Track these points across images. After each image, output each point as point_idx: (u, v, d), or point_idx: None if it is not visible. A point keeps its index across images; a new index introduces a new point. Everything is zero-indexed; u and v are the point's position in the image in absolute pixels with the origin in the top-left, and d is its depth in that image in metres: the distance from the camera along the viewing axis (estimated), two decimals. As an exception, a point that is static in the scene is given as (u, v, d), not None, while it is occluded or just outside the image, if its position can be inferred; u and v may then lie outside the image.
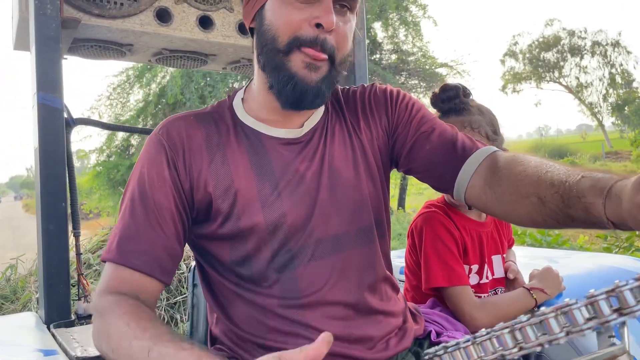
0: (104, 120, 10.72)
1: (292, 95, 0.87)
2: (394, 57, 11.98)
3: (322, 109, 1.00)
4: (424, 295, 1.27)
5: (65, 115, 1.25)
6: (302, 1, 0.84)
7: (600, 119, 29.31)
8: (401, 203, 12.43)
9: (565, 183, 0.70)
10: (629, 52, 28.58)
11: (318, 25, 0.83)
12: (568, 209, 0.70)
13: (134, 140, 10.89)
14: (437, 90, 1.35)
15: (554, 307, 0.54)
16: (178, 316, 2.36)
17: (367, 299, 0.93)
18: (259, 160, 0.92)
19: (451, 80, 12.40)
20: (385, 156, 1.01)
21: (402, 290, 1.38)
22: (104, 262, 0.87)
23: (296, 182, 0.92)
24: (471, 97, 1.33)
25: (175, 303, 2.44)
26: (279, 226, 0.90)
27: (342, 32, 0.87)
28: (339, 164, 0.95)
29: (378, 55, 12.03)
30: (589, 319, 0.52)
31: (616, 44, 28.51)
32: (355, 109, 1.01)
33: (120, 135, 10.67)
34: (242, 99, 0.99)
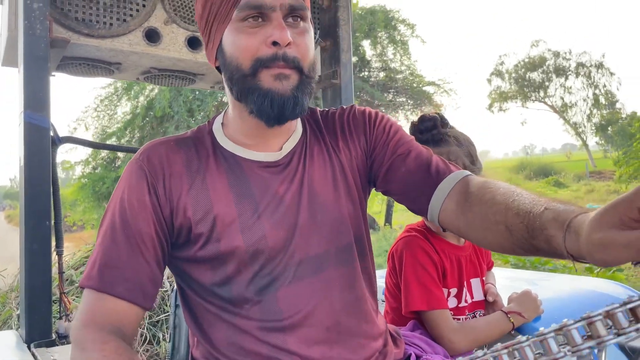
0: (91, 131, 10.65)
1: (271, 111, 0.88)
2: (382, 74, 12.10)
3: (300, 130, 1.01)
4: (403, 318, 1.28)
5: (52, 134, 1.25)
6: (253, 25, 0.87)
7: (585, 139, 29.77)
8: (388, 219, 12.47)
9: (530, 214, 0.72)
10: (612, 74, 29.17)
11: (274, 43, 0.86)
12: (532, 240, 0.72)
13: (120, 152, 10.82)
14: (415, 120, 1.37)
15: (531, 335, 0.55)
16: (160, 335, 2.34)
17: (348, 320, 0.93)
18: (239, 183, 0.93)
19: (438, 98, 12.56)
20: (363, 176, 1.03)
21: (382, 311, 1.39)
22: (83, 288, 0.86)
23: (276, 205, 0.93)
24: (449, 126, 1.36)
25: (157, 321, 2.42)
26: (260, 249, 0.91)
27: (300, 43, 0.89)
28: (318, 184, 0.96)
29: (367, 73, 12.14)
30: (562, 345, 0.53)
31: (600, 66, 29.09)
32: (334, 129, 1.03)
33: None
34: (222, 123, 1.01)
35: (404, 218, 13.89)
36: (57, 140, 1.32)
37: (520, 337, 0.54)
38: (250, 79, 0.88)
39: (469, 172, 0.94)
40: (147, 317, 2.28)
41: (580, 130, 29.60)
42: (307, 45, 0.90)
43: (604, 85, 29.15)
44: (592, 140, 30.95)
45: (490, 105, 30.98)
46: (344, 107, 1.08)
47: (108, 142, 10.27)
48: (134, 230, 0.88)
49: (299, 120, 1.03)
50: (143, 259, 0.87)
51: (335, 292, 0.93)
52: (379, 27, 10.88)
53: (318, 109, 1.09)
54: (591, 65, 29.08)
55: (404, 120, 12.93)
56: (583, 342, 0.51)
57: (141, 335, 2.07)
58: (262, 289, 0.91)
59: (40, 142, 1.20)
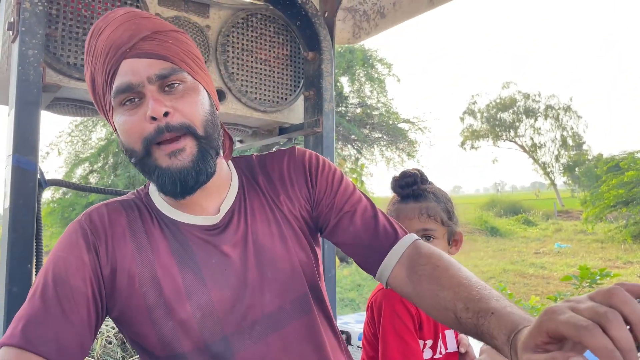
0: (64, 156, 10.50)
1: (173, 187, 0.88)
2: (359, 110, 12.33)
3: (235, 185, 1.01)
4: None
5: (38, 176, 1.27)
6: (131, 107, 0.88)
7: (553, 179, 30.56)
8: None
9: (479, 314, 0.72)
10: (579, 117, 30.23)
11: (153, 119, 0.86)
12: (481, 337, 0.73)
13: (93, 178, 10.68)
14: (397, 176, 1.43)
15: None
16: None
17: None
18: (180, 248, 0.92)
19: (413, 135, 12.83)
20: (310, 223, 1.02)
21: (360, 356, 1.42)
22: (2, 347, 0.80)
23: (220, 266, 0.92)
24: (428, 182, 1.41)
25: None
26: (207, 313, 0.89)
27: (182, 107, 0.88)
28: (264, 240, 0.96)
29: (344, 108, 12.36)
30: None
31: (567, 109, 30.14)
32: (273, 181, 1.02)
33: (79, 173, 10.46)
34: None
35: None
36: (43, 183, 1.33)
37: None
38: (147, 159, 0.89)
39: (416, 237, 0.96)
40: (121, 358, 2.25)
41: (548, 170, 30.41)
42: (192, 107, 0.89)
43: (572, 128, 30.17)
44: (560, 179, 31.81)
45: (463, 143, 31.67)
46: (283, 150, 1.06)
47: (80, 167, 10.14)
48: (69, 289, 0.85)
49: (233, 173, 1.03)
50: (74, 320, 0.84)
51: (296, 346, 0.93)
52: (357, 64, 11.17)
53: (254, 155, 1.07)
54: (559, 108, 30.12)
55: (379, 155, 13.15)
56: None
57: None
58: (218, 356, 0.89)
59: (26, 185, 1.21)
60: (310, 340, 0.95)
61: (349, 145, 12.74)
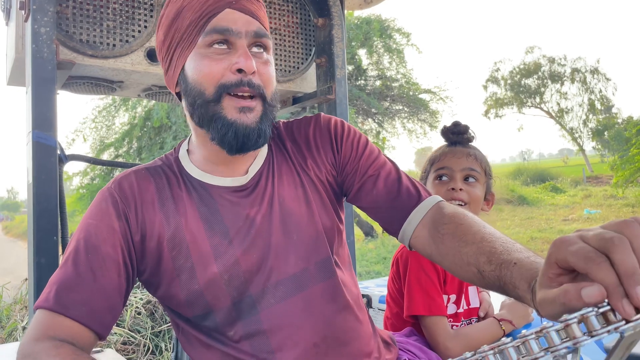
0: (89, 142, 10.70)
1: (234, 141, 0.90)
2: (378, 83, 12.20)
3: (264, 150, 1.02)
4: (403, 323, 1.33)
5: (58, 152, 1.30)
6: (218, 52, 0.89)
7: (581, 144, 29.88)
8: (386, 227, 12.49)
9: (502, 266, 0.72)
10: (607, 79, 29.33)
11: (239, 71, 0.88)
12: (504, 290, 0.72)
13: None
14: (448, 125, 1.47)
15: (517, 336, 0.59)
16: (163, 345, 2.38)
17: (335, 333, 0.95)
18: (208, 210, 0.94)
19: (434, 105, 12.65)
20: (336, 188, 1.04)
21: (382, 318, 1.44)
22: (37, 309, 0.85)
23: (247, 228, 0.94)
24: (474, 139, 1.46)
25: (160, 332, 2.46)
26: (234, 274, 0.92)
27: (264, 72, 0.91)
28: (290, 203, 0.97)
29: (363, 81, 12.23)
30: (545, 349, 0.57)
31: (595, 71, 29.26)
32: (300, 146, 1.04)
33: (105, 158, 10.65)
34: (187, 150, 1.02)
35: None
36: (64, 158, 1.37)
37: (504, 339, 0.58)
38: (213, 105, 0.90)
39: (440, 198, 0.96)
40: (150, 328, 2.34)
41: (576, 135, 29.72)
42: (270, 75, 0.93)
43: (600, 91, 29.31)
44: (589, 145, 31.09)
45: (487, 112, 31.11)
46: (309, 117, 1.08)
47: (106, 153, 10.33)
48: (99, 255, 0.88)
49: None
50: (104, 284, 0.87)
51: (318, 307, 0.95)
52: (374, 36, 11.00)
53: (281, 122, 1.09)
54: (586, 71, 29.25)
55: (400, 128, 13.03)
56: (561, 343, 0.55)
57: (144, 346, 2.12)
58: (244, 314, 0.93)
59: (47, 160, 1.25)
60: (332, 302, 0.97)
61: (369, 119, 12.65)
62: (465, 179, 1.37)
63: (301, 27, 1.81)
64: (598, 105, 29.13)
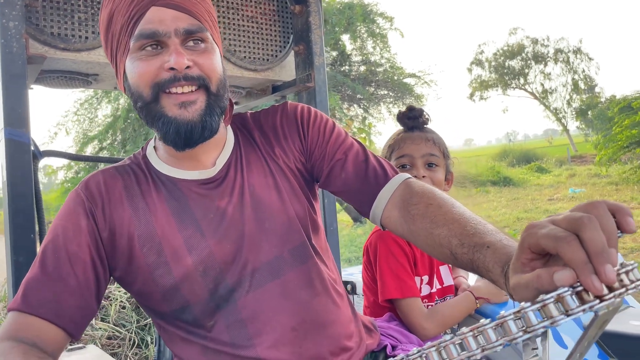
0: (72, 135, 10.56)
1: (177, 138, 0.89)
2: (362, 68, 12.15)
3: (231, 141, 1.02)
4: (381, 311, 1.35)
5: (32, 148, 1.28)
6: (150, 54, 0.88)
7: (565, 124, 30.14)
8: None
9: (474, 248, 0.72)
10: (590, 59, 29.55)
11: (172, 69, 0.87)
12: (477, 271, 0.73)
13: (104, 155, 10.75)
14: (403, 110, 1.49)
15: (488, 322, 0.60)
16: (148, 338, 2.38)
17: (313, 317, 0.96)
18: (178, 205, 0.95)
19: (419, 90, 12.65)
20: (306, 175, 1.04)
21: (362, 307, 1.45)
22: (9, 311, 0.86)
23: (219, 220, 0.94)
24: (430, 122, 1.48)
25: (145, 325, 2.46)
26: (209, 266, 0.92)
27: (203, 63, 0.90)
28: (260, 192, 0.98)
29: (347, 67, 12.18)
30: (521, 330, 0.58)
31: (578, 51, 29.44)
32: (267, 136, 1.04)
33: (89, 151, 10.54)
34: (154, 147, 1.02)
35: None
36: (38, 155, 1.35)
37: (484, 321, 0.59)
38: (153, 105, 0.89)
39: (407, 175, 0.97)
40: (135, 322, 2.34)
41: (560, 115, 29.97)
42: (211, 64, 0.91)
43: (583, 70, 29.53)
44: (573, 125, 31.38)
45: (472, 95, 31.24)
46: (276, 105, 1.08)
47: (90, 146, 10.22)
48: (65, 254, 0.88)
49: (229, 130, 1.04)
50: (70, 284, 0.87)
51: (295, 292, 0.96)
52: (357, 20, 10.92)
53: (248, 112, 1.09)
54: (569, 51, 29.43)
55: (386, 113, 13.02)
56: (538, 323, 0.56)
57: (130, 340, 2.12)
58: (222, 304, 0.93)
59: (21, 157, 1.23)
60: (308, 287, 0.98)
61: (355, 105, 12.62)
62: (427, 164, 1.40)
63: (278, 15, 1.79)
64: (581, 85, 29.35)
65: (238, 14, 1.70)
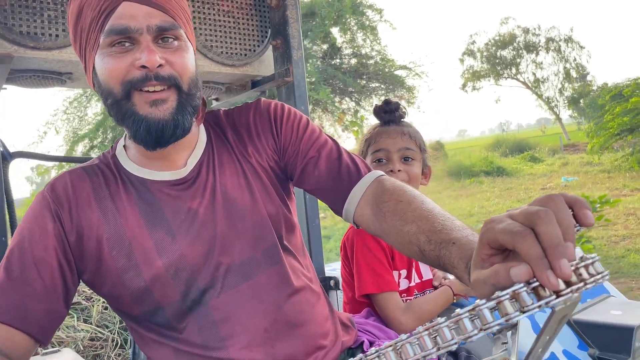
0: (62, 134, 10.49)
1: (148, 137, 0.87)
2: (353, 61, 12.11)
3: (203, 140, 1.00)
4: (360, 306, 1.34)
5: (1, 149, 1.26)
6: (121, 50, 0.86)
7: (558, 113, 30.19)
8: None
9: (441, 245, 0.72)
10: (581, 47, 29.55)
11: (143, 67, 0.85)
12: (445, 270, 0.73)
13: (94, 154, 10.69)
14: (380, 103, 1.48)
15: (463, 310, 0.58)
16: (131, 338, 2.37)
17: (286, 317, 0.96)
18: (148, 207, 0.93)
19: (410, 81, 12.63)
20: (280, 173, 1.03)
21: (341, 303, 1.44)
22: None
23: (190, 221, 0.93)
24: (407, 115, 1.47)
25: (129, 325, 2.43)
26: (181, 268, 0.91)
27: (175, 61, 0.88)
28: (232, 192, 0.96)
29: (338, 60, 12.14)
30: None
31: (569, 40, 29.44)
32: (240, 134, 1.02)
33: (80, 150, 10.47)
34: (124, 146, 0.99)
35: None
36: (8, 156, 1.33)
37: (439, 319, 0.57)
38: (124, 103, 0.87)
39: (380, 173, 0.96)
40: (118, 322, 2.32)
41: (553, 104, 30.01)
42: (184, 63, 0.89)
43: (574, 59, 29.54)
44: (566, 113, 31.44)
45: (464, 85, 31.23)
46: (250, 103, 1.06)
47: (80, 144, 10.15)
48: (31, 258, 0.86)
49: (201, 129, 1.02)
50: (36, 289, 0.85)
51: (267, 293, 0.95)
52: (347, 13, 10.88)
53: (222, 110, 1.07)
54: (560, 40, 29.42)
55: (378, 105, 12.99)
56: (493, 320, 0.54)
57: (112, 341, 2.11)
58: (194, 306, 0.92)
59: (-10, 159, 1.21)
60: (281, 287, 0.97)
61: (347, 98, 12.59)
62: (403, 159, 1.39)
63: (255, 9, 1.76)
64: (573, 74, 29.38)
65: (214, 9, 1.68)
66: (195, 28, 1.63)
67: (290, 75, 1.70)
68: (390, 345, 0.60)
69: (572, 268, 0.52)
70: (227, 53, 1.70)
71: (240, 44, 1.73)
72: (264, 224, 0.97)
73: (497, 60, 30.21)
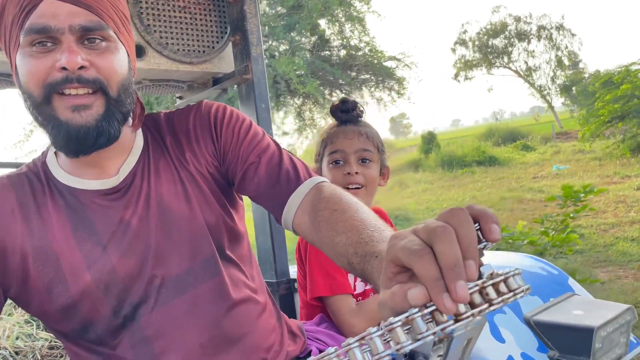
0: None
1: (68, 143, 0.83)
2: (342, 53, 12.04)
3: (139, 146, 0.95)
4: (315, 310, 1.30)
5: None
6: (42, 50, 0.80)
7: (550, 101, 30.19)
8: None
9: (365, 258, 0.68)
10: (573, 35, 29.51)
11: (64, 69, 0.80)
12: (369, 281, 0.69)
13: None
14: (336, 102, 1.45)
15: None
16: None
17: (225, 330, 0.92)
18: (78, 218, 0.88)
19: (400, 72, 12.56)
20: (220, 179, 0.98)
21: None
22: None
23: (122, 232, 0.88)
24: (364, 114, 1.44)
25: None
26: (111, 283, 0.87)
27: (101, 64, 0.83)
28: (168, 201, 0.91)
29: (328, 52, 12.06)
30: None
31: (560, 27, 29.37)
32: (179, 139, 0.97)
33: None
34: (55, 152, 0.95)
35: (377, 196, 13.99)
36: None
37: (329, 349, 0.53)
38: (44, 107, 0.82)
39: (320, 179, 0.92)
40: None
41: (545, 92, 30.01)
42: (111, 65, 0.83)
43: (566, 47, 29.50)
44: (558, 101, 31.45)
45: (456, 75, 31.16)
46: (191, 105, 1.01)
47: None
48: None
49: (139, 134, 0.97)
50: None
51: (205, 307, 0.91)
52: (334, 4, 10.78)
53: (163, 113, 1.02)
54: (552, 28, 29.36)
55: (368, 97, 12.95)
56: (384, 350, 0.50)
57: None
58: (127, 322, 0.88)
59: None
60: (220, 300, 0.93)
61: (337, 91, 12.52)
62: (361, 160, 1.36)
63: (213, 4, 1.71)
64: (565, 61, 29.36)
65: (169, 5, 1.62)
66: (149, 25, 1.58)
67: (250, 72, 1.65)
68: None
69: (476, 288, 0.48)
70: (184, 50, 1.64)
71: (197, 40, 1.68)
72: (201, 234, 0.93)
73: (489, 49, 30.14)
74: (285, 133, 13.05)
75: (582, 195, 3.90)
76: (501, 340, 1.18)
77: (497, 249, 4.14)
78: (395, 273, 0.51)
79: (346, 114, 1.41)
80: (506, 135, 22.22)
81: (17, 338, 1.70)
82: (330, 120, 1.49)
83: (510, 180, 12.78)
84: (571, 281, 1.42)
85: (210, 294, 0.92)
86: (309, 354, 1.05)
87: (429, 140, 19.06)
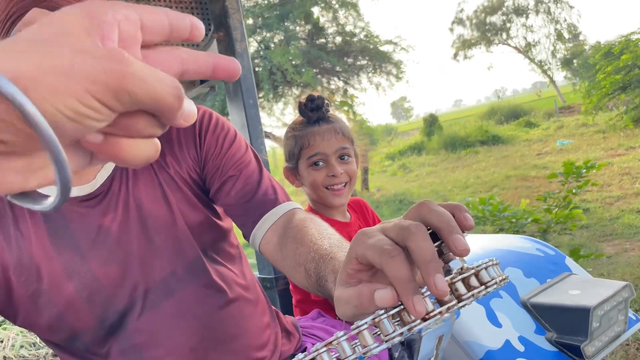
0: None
1: None
2: (338, 39, 11.95)
3: None
4: (310, 306, 1.30)
5: None
6: None
7: (551, 75, 29.93)
8: (365, 184, 12.53)
9: (320, 260, 0.69)
10: (571, 7, 29.16)
11: None
12: (322, 287, 0.69)
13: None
14: (303, 100, 1.42)
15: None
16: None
17: (214, 330, 0.91)
18: (56, 227, 0.87)
19: (397, 56, 12.47)
20: (201, 184, 0.97)
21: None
22: None
23: (102, 240, 0.87)
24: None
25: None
26: (94, 291, 0.86)
27: None
28: (148, 206, 0.90)
29: (323, 40, 11.96)
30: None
31: (558, 0, 29.04)
32: (160, 142, 0.94)
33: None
34: None
35: (381, 180, 13.99)
36: None
37: (299, 355, 0.53)
38: None
39: (297, 205, 0.92)
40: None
41: (546, 67, 29.74)
42: None
43: (565, 19, 29.17)
44: (560, 75, 31.20)
45: (455, 55, 30.92)
46: None
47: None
48: None
49: None
50: None
51: (193, 310, 0.91)
52: (326, -9, 10.69)
53: None
54: (549, 1, 29.02)
55: (367, 83, 12.87)
56: (352, 353, 0.50)
57: None
58: (114, 330, 0.87)
59: None
60: (209, 302, 0.92)
61: (334, 78, 12.45)
62: (340, 158, 1.38)
63: (194, 1, 1.69)
64: (565, 34, 29.05)
65: (149, 3, 1.61)
66: (131, 27, 1.57)
67: (235, 68, 1.64)
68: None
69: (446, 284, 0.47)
70: (168, 50, 1.63)
71: (181, 39, 1.66)
72: (183, 237, 0.92)
73: (487, 27, 29.87)
74: (285, 124, 13.01)
75: (584, 171, 3.87)
76: (498, 324, 1.17)
77: (501, 229, 4.12)
78: (356, 270, 0.50)
79: (316, 112, 1.39)
80: (509, 113, 22.09)
81: (21, 347, 1.71)
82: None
83: (514, 158, 12.72)
84: (568, 261, 1.41)
85: (197, 296, 0.91)
86: (304, 352, 1.05)
87: (431, 123, 18.95)
